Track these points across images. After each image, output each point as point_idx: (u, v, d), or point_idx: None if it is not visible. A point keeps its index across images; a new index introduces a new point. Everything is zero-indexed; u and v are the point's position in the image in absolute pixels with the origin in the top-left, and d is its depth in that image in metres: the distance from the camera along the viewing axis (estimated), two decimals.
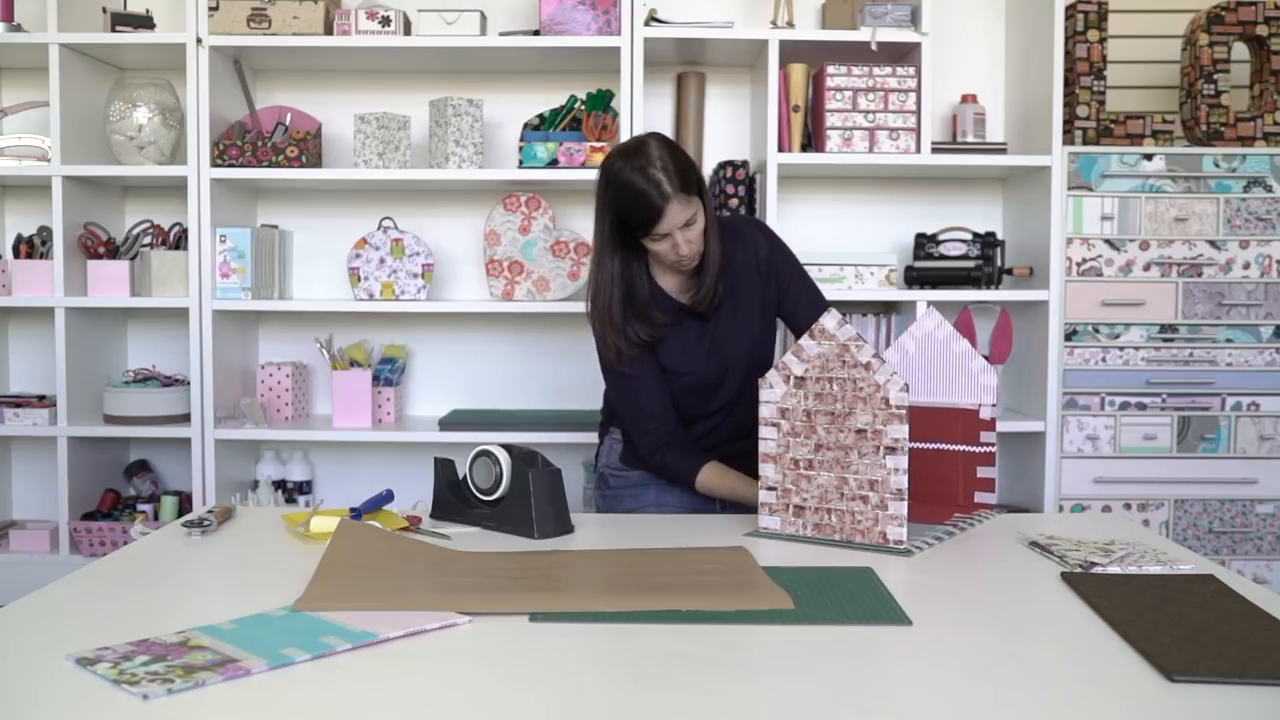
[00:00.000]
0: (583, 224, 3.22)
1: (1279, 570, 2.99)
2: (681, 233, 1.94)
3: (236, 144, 2.98)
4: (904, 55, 3.07)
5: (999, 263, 3.06)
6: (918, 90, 2.97)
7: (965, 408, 1.93)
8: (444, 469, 1.98)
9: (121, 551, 1.71)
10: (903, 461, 1.72)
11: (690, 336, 2.09)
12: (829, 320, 1.78)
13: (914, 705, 1.12)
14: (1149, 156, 2.95)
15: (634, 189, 1.91)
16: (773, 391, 1.82)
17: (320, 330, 3.22)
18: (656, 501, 2.17)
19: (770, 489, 1.83)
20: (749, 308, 2.10)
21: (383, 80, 3.26)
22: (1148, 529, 2.16)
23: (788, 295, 2.13)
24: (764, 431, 1.83)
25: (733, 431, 2.16)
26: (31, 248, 3.12)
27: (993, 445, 1.92)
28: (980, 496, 1.93)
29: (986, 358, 3.06)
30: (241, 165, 2.99)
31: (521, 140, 3.00)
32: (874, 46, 2.95)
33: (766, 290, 2.12)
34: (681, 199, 1.91)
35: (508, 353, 3.31)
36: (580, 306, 2.98)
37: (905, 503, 1.73)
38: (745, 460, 2.07)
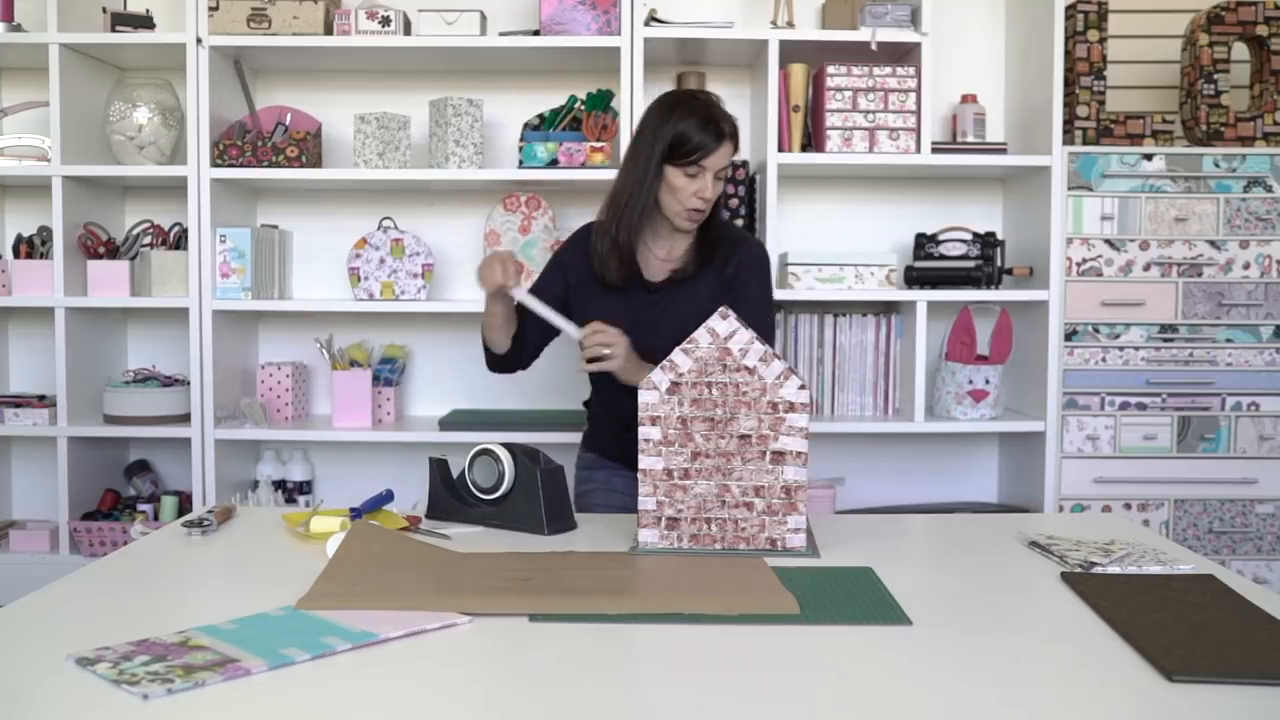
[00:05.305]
0: (582, 224, 3.21)
1: (1279, 570, 2.99)
2: (713, 180, 2.04)
3: (236, 144, 2.98)
4: (904, 55, 3.07)
5: (999, 263, 3.06)
6: (918, 90, 2.96)
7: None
8: (439, 469, 1.98)
9: (121, 551, 1.71)
10: (802, 472, 1.69)
11: (629, 307, 2.11)
12: (718, 322, 1.71)
13: (914, 705, 1.12)
14: (1149, 156, 2.95)
15: (706, 115, 2.02)
16: (652, 394, 1.73)
17: (320, 330, 3.22)
18: (605, 484, 2.26)
19: (649, 497, 1.74)
20: (701, 301, 2.09)
21: (383, 80, 3.26)
22: (1148, 529, 2.16)
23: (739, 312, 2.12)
24: (644, 433, 1.73)
25: None
26: (31, 248, 3.12)
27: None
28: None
29: (986, 357, 3.07)
30: (241, 165, 2.99)
31: (521, 140, 3.00)
32: (874, 46, 2.95)
33: (723, 295, 2.09)
34: (730, 147, 2.04)
35: None
36: None
37: (804, 515, 1.70)
38: None
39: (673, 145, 2.01)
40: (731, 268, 2.13)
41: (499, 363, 2.31)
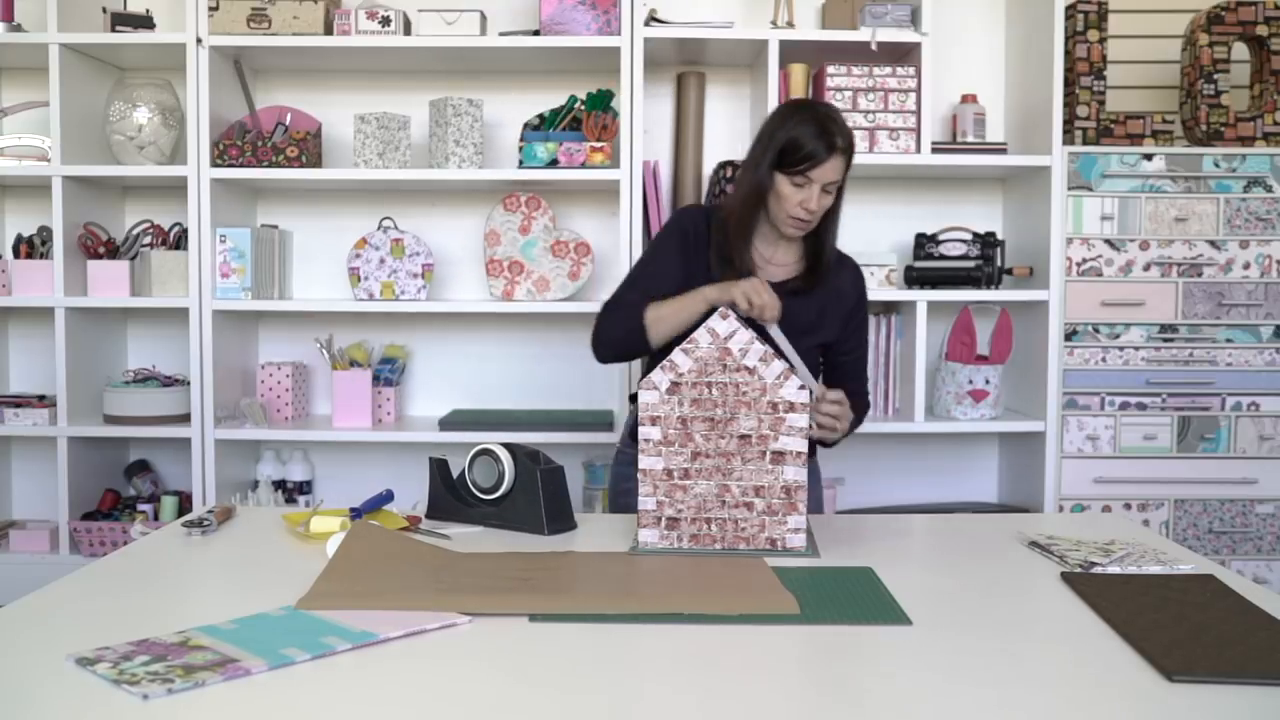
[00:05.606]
0: (583, 224, 3.22)
1: (1279, 570, 2.99)
2: (820, 192, 2.01)
3: (236, 144, 2.98)
4: (904, 55, 3.07)
5: (999, 263, 3.06)
6: (918, 90, 2.97)
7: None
8: (439, 469, 1.98)
9: (121, 551, 1.71)
10: (802, 472, 1.69)
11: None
12: (718, 322, 1.71)
13: (914, 705, 1.12)
14: (1149, 156, 2.95)
15: (823, 125, 2.00)
16: (652, 394, 1.72)
17: (320, 330, 3.22)
18: None
19: (649, 497, 1.74)
20: (810, 315, 2.11)
21: (383, 80, 3.26)
22: (1148, 529, 2.16)
23: (847, 337, 2.17)
24: (644, 433, 1.73)
25: None
26: (31, 248, 3.12)
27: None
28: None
29: (986, 357, 3.07)
30: (241, 165, 2.99)
31: (521, 140, 3.00)
32: (874, 46, 2.95)
33: (832, 316, 2.13)
34: (842, 162, 2.01)
35: (508, 353, 3.31)
36: (580, 307, 3.02)
37: (804, 515, 1.70)
38: None
39: (784, 151, 1.99)
40: (840, 282, 2.14)
41: (629, 355, 2.17)
